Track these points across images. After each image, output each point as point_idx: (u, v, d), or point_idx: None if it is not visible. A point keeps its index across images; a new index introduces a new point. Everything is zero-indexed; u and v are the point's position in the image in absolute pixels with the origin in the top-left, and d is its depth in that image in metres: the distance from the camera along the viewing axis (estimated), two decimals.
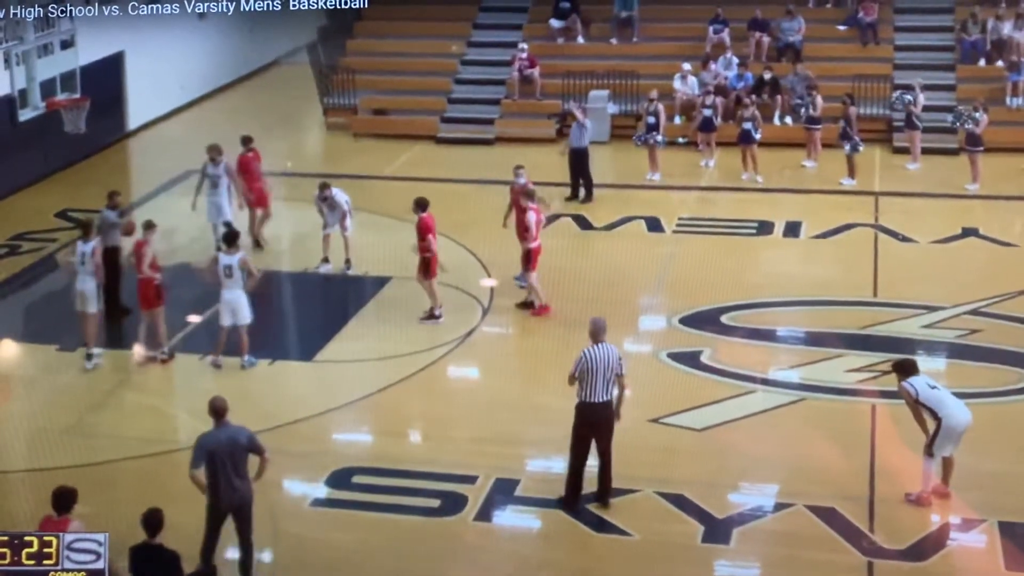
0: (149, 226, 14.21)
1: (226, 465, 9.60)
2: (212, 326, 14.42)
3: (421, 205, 14.97)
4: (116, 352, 14.46)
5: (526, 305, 15.29)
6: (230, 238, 14.10)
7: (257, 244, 17.14)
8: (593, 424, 10.83)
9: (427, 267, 14.90)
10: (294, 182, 17.58)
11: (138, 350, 14.12)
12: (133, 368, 14.16)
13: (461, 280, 16.24)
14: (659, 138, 20.49)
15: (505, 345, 15.29)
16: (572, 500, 11.00)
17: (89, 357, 14.10)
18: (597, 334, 10.82)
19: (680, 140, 22.34)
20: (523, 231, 15.75)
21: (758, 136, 20.23)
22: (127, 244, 14.64)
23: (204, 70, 26.78)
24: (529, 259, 15.03)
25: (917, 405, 10.79)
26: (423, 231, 14.83)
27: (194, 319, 15.04)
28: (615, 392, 10.86)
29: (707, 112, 21.24)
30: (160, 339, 14.12)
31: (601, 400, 10.74)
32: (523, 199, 15.18)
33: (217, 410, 9.74)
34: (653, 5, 25.39)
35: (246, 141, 17.56)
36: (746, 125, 20.20)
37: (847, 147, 20.01)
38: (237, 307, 13.79)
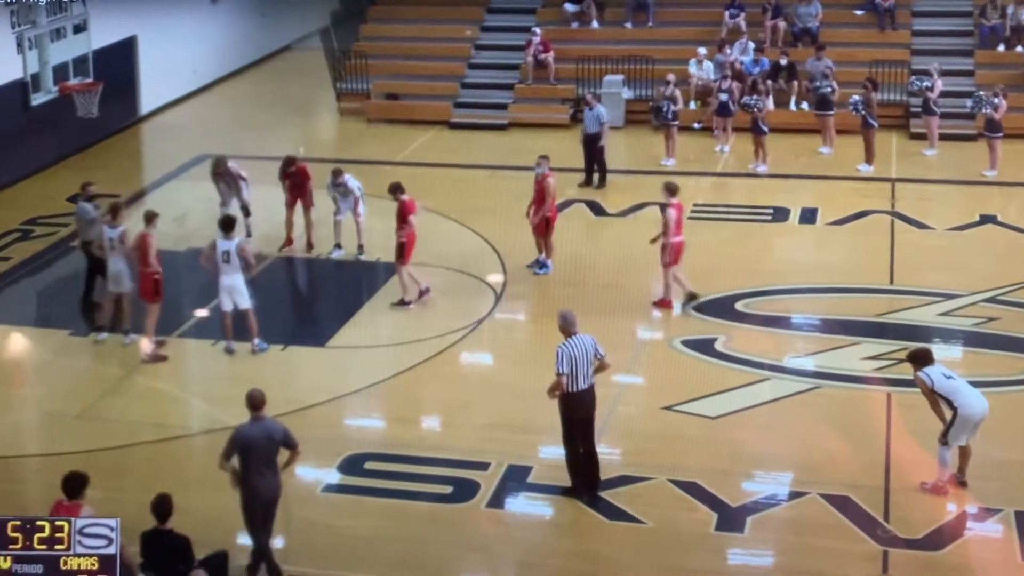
0: (151, 217, 14.02)
1: (260, 460, 9.48)
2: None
3: (400, 188, 14.90)
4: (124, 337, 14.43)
5: (692, 297, 14.82)
6: (227, 223, 14.02)
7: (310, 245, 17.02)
8: (581, 412, 10.79)
9: (402, 252, 14.83)
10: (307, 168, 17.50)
11: (144, 344, 14.07)
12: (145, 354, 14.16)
13: (474, 266, 16.21)
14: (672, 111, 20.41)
15: (518, 332, 15.24)
16: (578, 488, 10.96)
17: (127, 332, 14.18)
18: (569, 327, 10.75)
19: (695, 126, 22.23)
20: (540, 224, 15.72)
21: (766, 128, 20.00)
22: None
23: (217, 55, 26.75)
24: (674, 254, 14.66)
25: (933, 395, 10.70)
26: (405, 213, 14.75)
27: (201, 313, 15.00)
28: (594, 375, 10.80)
29: (724, 97, 21.07)
30: (148, 334, 14.01)
31: (584, 388, 10.70)
32: (665, 195, 14.72)
33: (255, 403, 9.59)
34: None
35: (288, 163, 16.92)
36: (748, 101, 19.95)
37: (852, 110, 19.86)
38: (235, 292, 13.74)
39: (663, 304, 14.79)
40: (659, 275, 14.88)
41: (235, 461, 9.53)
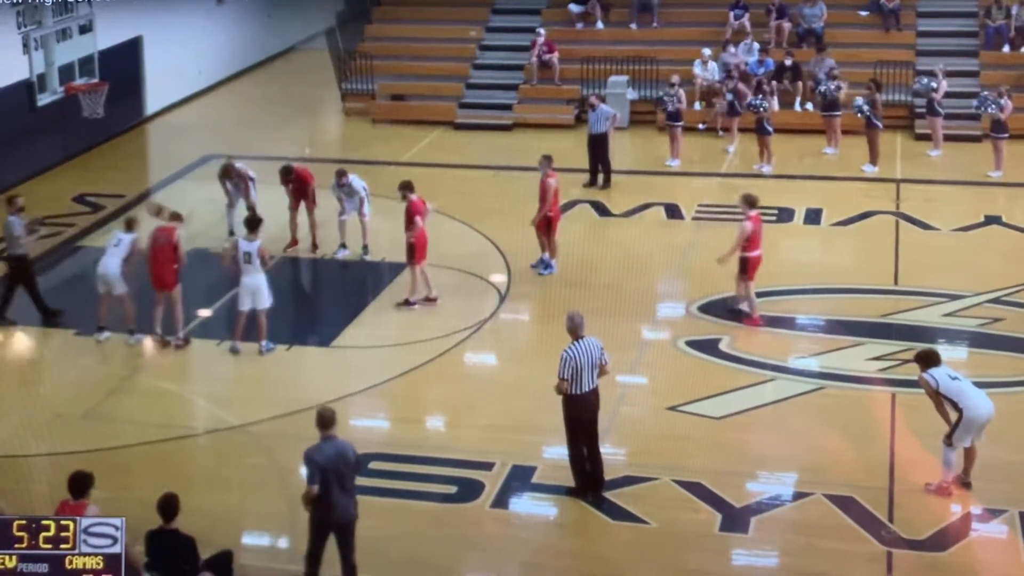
0: (177, 216, 14.45)
1: (333, 481, 9.16)
2: (230, 311, 14.41)
3: (410, 188, 14.92)
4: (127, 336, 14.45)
5: (736, 313, 14.45)
6: (251, 224, 14.09)
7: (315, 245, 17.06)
8: (584, 414, 10.80)
9: (413, 252, 14.85)
10: (312, 168, 17.52)
11: (152, 335, 14.19)
12: (150, 353, 14.17)
13: (478, 267, 16.21)
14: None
15: (522, 332, 15.25)
16: (583, 488, 10.97)
17: (132, 332, 14.23)
18: (577, 330, 10.73)
19: (700, 126, 22.23)
20: (542, 224, 15.72)
21: (771, 128, 19.99)
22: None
23: (222, 55, 26.78)
24: (746, 268, 14.23)
25: (938, 396, 10.69)
26: (412, 213, 14.77)
27: (205, 313, 15.00)
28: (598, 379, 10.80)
29: (730, 97, 21.05)
30: (176, 323, 14.15)
31: (588, 390, 10.70)
32: (744, 207, 14.25)
33: (326, 422, 9.31)
34: None
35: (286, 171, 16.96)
36: (754, 102, 19.98)
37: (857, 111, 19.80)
38: (257, 292, 13.79)
39: (753, 323, 14.26)
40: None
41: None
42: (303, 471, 9.28)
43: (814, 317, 14.75)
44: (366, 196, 16.50)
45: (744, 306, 14.47)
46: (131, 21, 22.80)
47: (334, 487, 9.18)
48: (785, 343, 14.08)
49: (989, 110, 19.46)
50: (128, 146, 22.97)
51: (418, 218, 14.80)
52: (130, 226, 14.38)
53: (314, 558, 9.45)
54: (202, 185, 19.30)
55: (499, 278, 16.01)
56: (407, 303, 15.01)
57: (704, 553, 10.34)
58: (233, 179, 17.04)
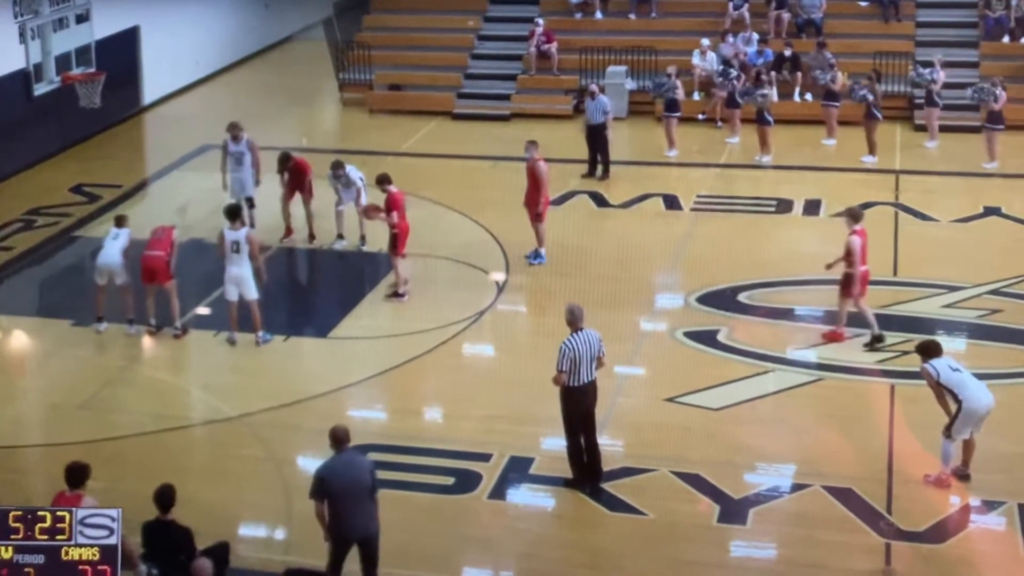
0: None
1: (343, 496, 9.05)
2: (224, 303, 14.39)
3: (388, 180, 14.85)
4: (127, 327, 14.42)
5: (879, 339, 13.52)
6: (232, 213, 14.00)
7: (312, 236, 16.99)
8: (582, 406, 10.78)
9: (395, 244, 14.80)
10: (309, 158, 17.46)
11: (148, 327, 14.17)
12: (147, 344, 14.14)
13: (476, 258, 16.17)
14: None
15: (520, 323, 15.22)
16: (580, 479, 10.96)
17: (131, 322, 14.21)
18: (576, 322, 10.69)
19: (699, 117, 22.18)
20: (538, 213, 15.63)
21: (771, 119, 19.94)
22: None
23: (219, 45, 26.70)
24: (849, 284, 13.44)
25: (939, 387, 10.67)
26: (391, 206, 14.72)
27: (203, 311, 14.96)
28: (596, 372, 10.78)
29: (730, 87, 20.95)
30: (173, 314, 14.12)
31: (587, 382, 10.68)
32: (850, 221, 13.59)
33: (338, 438, 9.18)
34: None
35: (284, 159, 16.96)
36: (750, 93, 19.96)
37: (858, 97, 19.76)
38: (242, 282, 13.73)
39: (834, 336, 13.62)
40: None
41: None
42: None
43: (813, 308, 14.71)
44: (363, 187, 16.43)
45: (836, 321, 13.76)
46: (128, 10, 22.74)
47: (345, 502, 9.06)
48: (783, 334, 14.05)
49: (987, 99, 19.34)
50: (125, 136, 22.92)
51: (395, 213, 14.70)
52: (121, 222, 14.37)
53: (334, 567, 9.36)
54: (199, 175, 19.25)
55: (497, 269, 15.97)
56: (396, 295, 14.95)
57: (702, 544, 10.32)
58: (239, 143, 16.70)
